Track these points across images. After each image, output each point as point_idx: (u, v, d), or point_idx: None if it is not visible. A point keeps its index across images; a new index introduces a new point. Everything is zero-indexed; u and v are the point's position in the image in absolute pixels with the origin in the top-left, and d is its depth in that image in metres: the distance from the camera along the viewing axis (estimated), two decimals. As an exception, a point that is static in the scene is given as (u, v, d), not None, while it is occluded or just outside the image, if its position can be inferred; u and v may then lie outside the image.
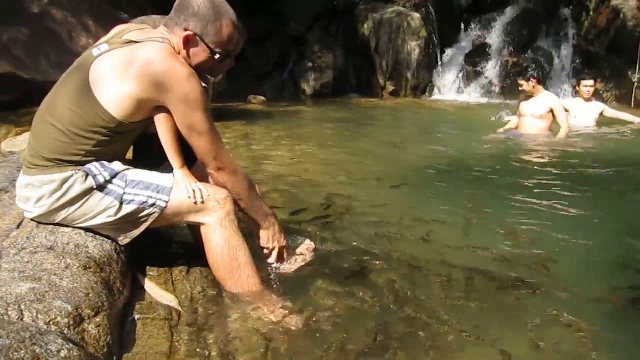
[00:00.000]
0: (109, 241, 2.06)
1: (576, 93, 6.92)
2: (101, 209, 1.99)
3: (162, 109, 1.98)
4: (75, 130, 1.93)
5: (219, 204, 2.04)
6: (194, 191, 2.02)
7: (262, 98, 9.71)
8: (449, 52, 11.83)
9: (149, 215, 2.02)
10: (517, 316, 2.10)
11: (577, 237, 2.91)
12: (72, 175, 1.94)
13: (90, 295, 1.70)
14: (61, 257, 1.83)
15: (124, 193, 1.98)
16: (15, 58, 6.40)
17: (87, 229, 2.04)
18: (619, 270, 2.57)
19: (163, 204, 2.00)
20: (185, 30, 1.98)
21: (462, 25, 12.12)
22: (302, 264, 2.37)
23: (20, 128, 5.29)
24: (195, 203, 2.01)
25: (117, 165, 2.02)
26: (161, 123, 2.02)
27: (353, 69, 11.62)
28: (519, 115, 6.32)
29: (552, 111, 6.11)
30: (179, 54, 1.99)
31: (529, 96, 6.24)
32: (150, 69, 1.87)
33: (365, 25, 11.65)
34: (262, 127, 6.74)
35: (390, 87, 11.51)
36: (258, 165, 4.53)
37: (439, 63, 11.66)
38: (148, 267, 2.19)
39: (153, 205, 2.00)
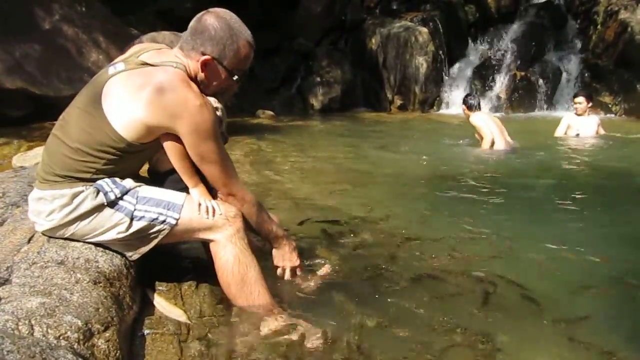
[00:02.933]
0: (119, 256, 2.06)
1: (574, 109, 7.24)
2: (111, 225, 1.99)
3: (171, 134, 1.98)
4: (85, 148, 1.94)
5: (229, 222, 2.03)
6: (207, 208, 2.02)
7: (271, 113, 9.77)
8: (456, 66, 11.88)
9: (159, 231, 2.02)
10: (528, 330, 2.08)
11: (575, 245, 2.90)
12: (82, 191, 1.95)
13: (100, 310, 1.70)
14: (71, 272, 1.84)
15: (135, 209, 1.98)
16: (27, 74, 6.49)
17: (97, 244, 2.05)
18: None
19: (173, 221, 2.01)
20: (203, 54, 1.99)
21: (470, 40, 12.17)
22: (319, 282, 2.38)
23: (32, 143, 5.35)
24: (211, 216, 2.02)
25: (128, 183, 2.03)
26: (170, 148, 2.02)
27: (361, 84, 11.67)
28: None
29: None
30: (195, 77, 2.01)
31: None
32: (162, 97, 1.87)
33: (373, 40, 11.71)
34: (270, 141, 6.76)
35: (398, 102, 11.55)
36: (267, 179, 4.54)
37: (447, 77, 11.69)
38: (157, 282, 2.19)
39: (163, 222, 2.00)
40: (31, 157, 4.27)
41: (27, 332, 1.47)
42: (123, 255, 2.07)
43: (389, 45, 11.51)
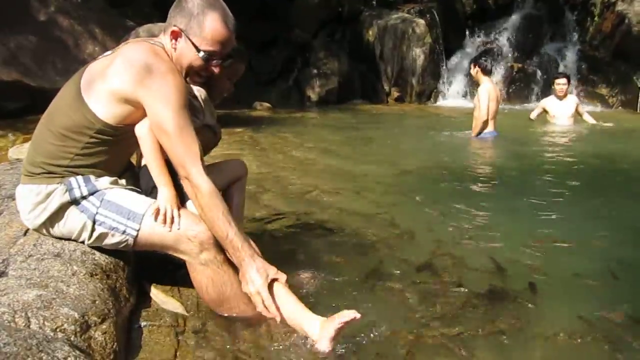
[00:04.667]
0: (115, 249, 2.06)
1: (553, 91, 7.59)
2: (80, 227, 1.94)
3: (144, 126, 1.92)
4: (64, 131, 1.90)
5: (192, 242, 1.87)
6: (164, 216, 1.88)
7: (268, 104, 9.75)
8: (453, 58, 11.85)
9: (123, 242, 1.93)
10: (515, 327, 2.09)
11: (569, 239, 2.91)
12: (56, 189, 1.91)
13: (97, 302, 1.70)
14: (68, 264, 1.84)
15: (97, 213, 1.91)
16: (23, 66, 6.46)
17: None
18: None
19: (134, 232, 1.90)
20: (174, 26, 1.92)
21: (467, 32, 12.13)
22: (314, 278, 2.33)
23: (27, 135, 5.32)
24: (167, 229, 1.88)
25: (101, 182, 1.95)
26: (143, 139, 1.95)
27: (358, 76, 11.64)
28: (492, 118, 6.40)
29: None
30: (170, 57, 1.94)
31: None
32: (131, 61, 1.83)
33: (370, 32, 11.68)
34: (267, 133, 6.75)
35: (395, 94, 11.53)
36: (263, 171, 4.53)
37: (444, 69, 11.67)
38: (153, 274, 2.19)
39: (124, 232, 1.91)
40: (27, 149, 4.24)
41: (23, 324, 1.47)
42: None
43: (386, 37, 11.49)
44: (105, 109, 1.88)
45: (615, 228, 3.21)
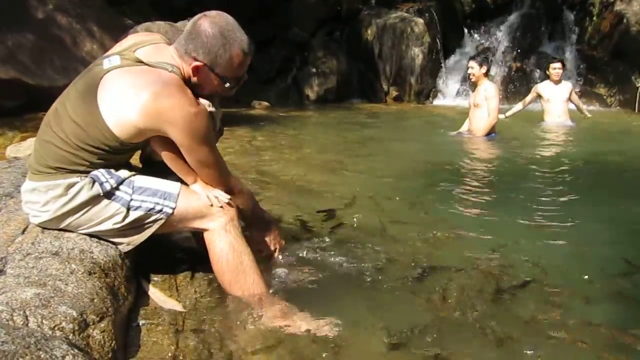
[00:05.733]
0: (114, 247, 2.06)
1: (548, 77, 7.68)
2: (108, 215, 1.99)
3: (163, 137, 1.98)
4: (79, 143, 1.93)
5: (222, 210, 2.04)
6: (213, 198, 2.05)
7: (266, 103, 9.74)
8: (452, 57, 11.84)
9: (155, 221, 2.02)
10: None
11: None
12: (77, 182, 1.94)
13: (95, 300, 1.70)
14: (66, 263, 1.84)
15: (131, 199, 1.98)
16: (21, 64, 6.44)
17: (91, 235, 2.04)
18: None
19: (170, 210, 2.01)
20: (195, 59, 1.97)
21: (466, 31, 12.13)
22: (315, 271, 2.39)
23: (25, 134, 5.31)
24: (211, 205, 2.04)
25: (123, 172, 2.02)
26: (164, 152, 2.04)
27: (356, 75, 11.63)
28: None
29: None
30: (189, 79, 2.00)
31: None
32: (157, 102, 1.86)
33: (369, 31, 11.67)
34: (266, 132, 6.75)
35: (393, 93, 11.52)
36: (262, 169, 4.53)
37: (443, 68, 11.67)
38: (152, 273, 2.19)
39: (160, 211, 2.00)
40: (25, 147, 4.25)
41: (21, 322, 1.47)
42: (116, 246, 2.07)
43: (385, 36, 11.47)
44: (125, 133, 1.93)
45: (615, 227, 3.22)
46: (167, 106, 1.87)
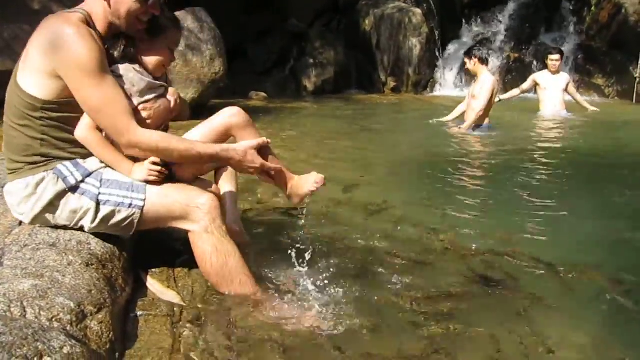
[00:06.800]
0: (111, 238, 2.06)
1: (546, 67, 7.67)
2: (82, 211, 1.94)
3: (80, 128, 1.90)
4: (17, 121, 1.89)
5: (200, 210, 1.95)
6: (156, 173, 1.93)
7: (264, 94, 9.70)
8: (450, 47, 11.80)
9: (129, 218, 1.95)
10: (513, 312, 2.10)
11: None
12: (44, 178, 1.90)
13: (93, 291, 1.71)
14: (63, 254, 1.84)
15: (99, 193, 1.92)
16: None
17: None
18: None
19: (140, 203, 1.93)
20: None
21: (464, 21, 12.08)
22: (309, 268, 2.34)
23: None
24: (160, 180, 1.94)
25: (91, 164, 1.96)
26: (85, 140, 1.93)
27: (354, 65, 11.58)
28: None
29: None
30: (104, 18, 1.93)
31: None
32: (46, 32, 1.83)
33: (367, 21, 11.61)
34: (263, 123, 6.72)
35: (391, 83, 11.49)
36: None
37: (440, 59, 11.63)
38: (150, 264, 2.19)
39: (130, 205, 1.93)
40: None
41: (19, 314, 1.47)
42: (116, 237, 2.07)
43: (383, 27, 11.42)
44: (37, 87, 1.85)
45: (612, 218, 3.23)
46: (52, 30, 1.82)
